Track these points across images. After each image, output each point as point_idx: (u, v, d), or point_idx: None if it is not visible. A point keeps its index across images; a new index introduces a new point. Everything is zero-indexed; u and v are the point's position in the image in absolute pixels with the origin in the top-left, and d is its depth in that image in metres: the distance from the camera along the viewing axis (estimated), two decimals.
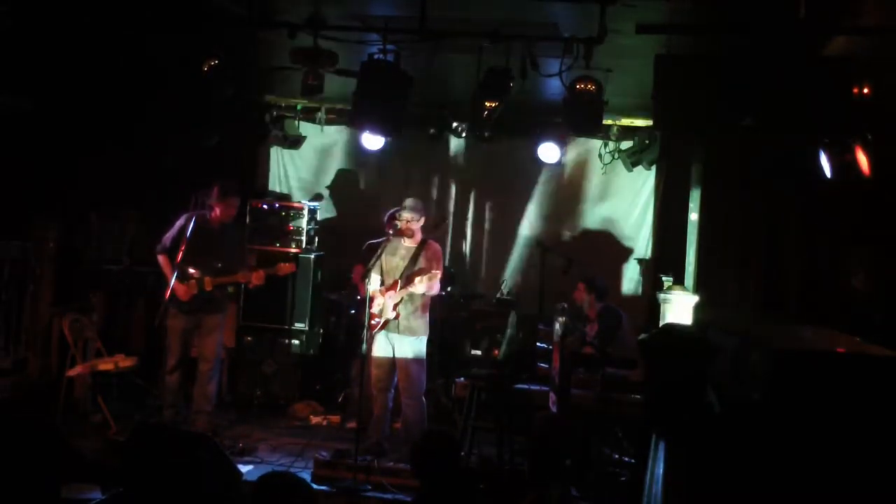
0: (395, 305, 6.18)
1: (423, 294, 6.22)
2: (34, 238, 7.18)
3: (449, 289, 7.62)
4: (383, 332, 6.26)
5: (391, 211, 7.00)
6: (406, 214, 6.27)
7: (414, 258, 6.27)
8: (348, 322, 7.73)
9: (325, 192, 8.59)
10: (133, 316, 8.01)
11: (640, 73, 5.73)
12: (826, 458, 3.32)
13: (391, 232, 6.52)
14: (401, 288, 6.19)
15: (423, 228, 6.46)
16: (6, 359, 6.92)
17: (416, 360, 6.27)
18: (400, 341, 6.25)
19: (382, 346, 6.30)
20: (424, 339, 6.35)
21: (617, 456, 5.91)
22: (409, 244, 6.34)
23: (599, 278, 7.13)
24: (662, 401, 3.81)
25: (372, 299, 6.25)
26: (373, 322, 6.26)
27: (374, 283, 6.26)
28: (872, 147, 5.38)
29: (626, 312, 7.12)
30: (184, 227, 6.41)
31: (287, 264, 6.70)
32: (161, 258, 6.47)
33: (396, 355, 6.27)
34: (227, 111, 7.22)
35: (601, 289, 7.01)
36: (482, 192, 8.52)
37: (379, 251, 6.30)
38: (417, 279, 6.08)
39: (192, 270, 6.34)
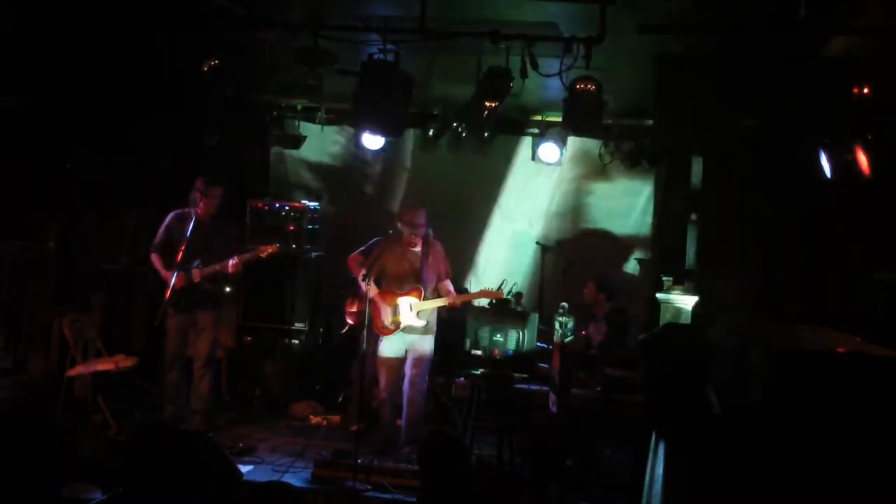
0: (419, 314, 6.22)
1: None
2: (34, 238, 7.18)
3: None
4: (399, 331, 6.26)
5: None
6: (411, 229, 6.22)
7: (422, 260, 6.27)
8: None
9: (325, 192, 8.59)
10: (133, 316, 8.00)
11: (640, 73, 5.74)
12: (826, 458, 3.32)
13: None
14: (425, 298, 6.22)
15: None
16: (6, 359, 6.92)
17: (429, 358, 6.34)
18: (420, 340, 6.28)
19: (395, 348, 6.30)
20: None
21: (617, 456, 5.90)
22: (414, 248, 6.33)
23: (611, 279, 7.02)
24: (663, 401, 3.81)
25: (374, 302, 6.24)
26: (382, 326, 6.26)
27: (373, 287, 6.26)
28: (872, 147, 5.38)
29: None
30: (171, 225, 6.43)
31: (270, 246, 6.52)
32: (154, 257, 6.48)
33: (415, 353, 6.26)
34: (227, 111, 7.22)
35: (612, 289, 6.93)
36: (482, 192, 8.52)
37: (376, 253, 6.22)
38: (453, 299, 6.25)
39: (184, 264, 6.32)
